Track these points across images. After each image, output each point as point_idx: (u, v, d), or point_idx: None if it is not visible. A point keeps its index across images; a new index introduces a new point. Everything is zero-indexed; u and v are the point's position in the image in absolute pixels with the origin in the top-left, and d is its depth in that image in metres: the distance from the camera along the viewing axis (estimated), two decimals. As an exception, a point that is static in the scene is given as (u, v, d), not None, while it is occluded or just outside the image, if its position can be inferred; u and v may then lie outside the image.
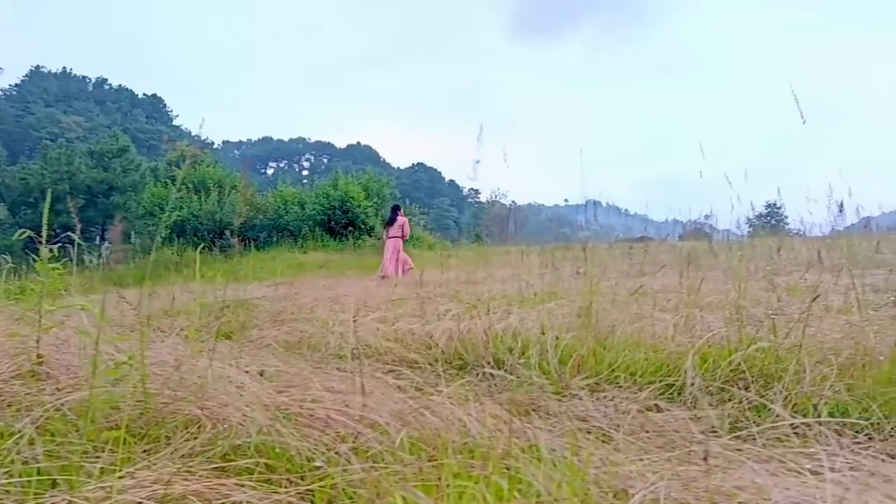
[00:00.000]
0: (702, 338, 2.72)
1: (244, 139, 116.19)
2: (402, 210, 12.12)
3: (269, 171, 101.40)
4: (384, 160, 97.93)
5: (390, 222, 11.59)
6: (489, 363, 3.06)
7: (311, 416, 1.56)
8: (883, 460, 1.23)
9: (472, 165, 3.18)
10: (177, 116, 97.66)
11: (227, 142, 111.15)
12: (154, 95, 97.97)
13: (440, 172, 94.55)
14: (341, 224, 19.81)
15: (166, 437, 1.39)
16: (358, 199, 20.14)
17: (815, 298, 2.31)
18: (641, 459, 1.25)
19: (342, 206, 19.88)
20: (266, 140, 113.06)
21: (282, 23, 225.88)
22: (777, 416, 2.02)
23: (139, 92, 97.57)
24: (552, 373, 2.75)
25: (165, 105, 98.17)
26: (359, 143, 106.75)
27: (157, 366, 1.80)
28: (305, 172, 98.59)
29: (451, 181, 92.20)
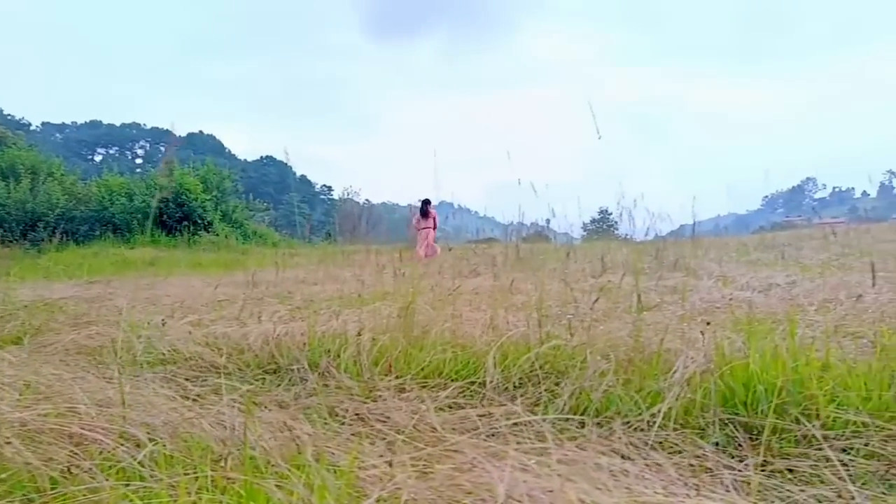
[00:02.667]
0: (507, 336, 2.88)
1: (69, 121, 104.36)
2: (431, 204, 13.22)
3: (98, 158, 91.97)
4: (229, 151, 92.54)
5: (424, 215, 12.84)
6: (303, 367, 3.01)
7: (63, 431, 1.42)
8: (598, 451, 1.36)
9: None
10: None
11: (48, 123, 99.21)
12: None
13: (290, 167, 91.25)
14: (175, 218, 18.46)
15: None
16: (195, 191, 18.92)
17: (596, 300, 2.52)
18: (398, 458, 1.28)
19: (177, 199, 18.56)
20: (94, 124, 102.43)
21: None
22: (562, 410, 2.18)
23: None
24: (363, 375, 2.76)
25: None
26: (201, 132, 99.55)
27: None
28: (140, 161, 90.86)
29: (303, 176, 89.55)
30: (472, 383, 2.61)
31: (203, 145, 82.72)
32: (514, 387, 2.56)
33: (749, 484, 1.50)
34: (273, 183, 78.33)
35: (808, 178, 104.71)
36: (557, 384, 2.51)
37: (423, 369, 2.74)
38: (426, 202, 13.31)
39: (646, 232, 8.10)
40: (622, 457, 1.34)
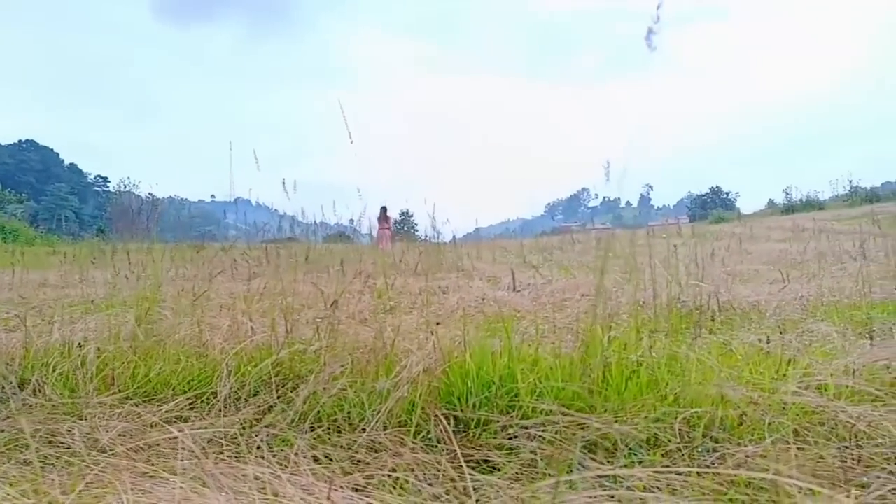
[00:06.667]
0: (248, 342, 2.79)
1: None
2: (388, 210, 15.65)
3: None
4: (-23, 132, 78.82)
5: (383, 219, 15.16)
6: (11, 384, 2.64)
7: None
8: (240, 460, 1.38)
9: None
10: None
11: None
12: None
13: (57, 154, 79.91)
14: None
15: None
16: (-78, 177, 15.83)
17: (333, 304, 2.55)
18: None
19: None
20: None
21: None
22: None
23: None
24: (80, 390, 2.50)
25: None
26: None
27: None
28: None
29: (73, 164, 79.19)
30: (204, 394, 2.49)
31: (-59, 122, 69.15)
32: (250, 395, 2.49)
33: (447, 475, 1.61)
34: (35, 171, 68.11)
35: (583, 189, 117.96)
36: (294, 389, 2.48)
37: (150, 381, 2.55)
38: (384, 209, 15.71)
39: (439, 234, 8.52)
40: (278, 464, 1.35)
